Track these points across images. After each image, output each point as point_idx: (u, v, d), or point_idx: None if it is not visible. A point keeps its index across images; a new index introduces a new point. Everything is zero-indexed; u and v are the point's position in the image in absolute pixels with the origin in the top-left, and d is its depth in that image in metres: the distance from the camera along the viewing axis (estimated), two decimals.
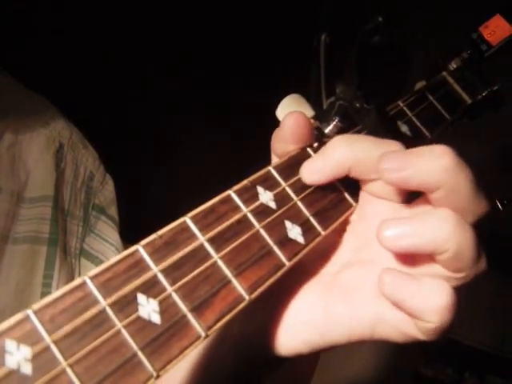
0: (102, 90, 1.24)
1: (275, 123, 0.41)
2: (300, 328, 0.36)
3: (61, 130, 0.74)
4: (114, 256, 0.77)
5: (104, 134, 0.88)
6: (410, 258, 0.34)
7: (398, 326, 0.33)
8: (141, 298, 0.27)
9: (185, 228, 0.30)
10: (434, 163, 0.31)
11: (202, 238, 0.30)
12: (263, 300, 0.32)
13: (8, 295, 0.64)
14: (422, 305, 0.30)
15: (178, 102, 1.34)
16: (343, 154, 0.34)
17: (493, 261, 0.34)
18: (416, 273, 0.32)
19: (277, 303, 0.38)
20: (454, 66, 0.58)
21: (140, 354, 0.25)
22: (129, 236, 0.81)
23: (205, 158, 1.41)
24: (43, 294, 0.67)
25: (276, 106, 0.42)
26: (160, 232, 0.29)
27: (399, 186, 0.33)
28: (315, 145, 0.38)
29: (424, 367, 1.79)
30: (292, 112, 0.36)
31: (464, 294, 0.33)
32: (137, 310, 0.26)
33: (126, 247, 0.79)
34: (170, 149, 1.37)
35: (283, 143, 0.37)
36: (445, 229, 0.30)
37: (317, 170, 0.35)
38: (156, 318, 0.27)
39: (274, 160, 0.40)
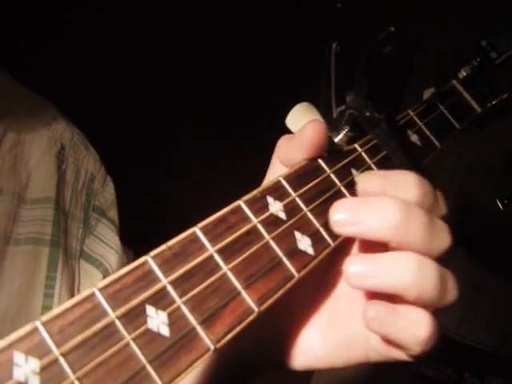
0: (103, 92, 1.24)
1: (282, 130, 0.40)
2: (300, 354, 0.38)
3: (62, 132, 0.74)
4: (113, 259, 0.77)
5: (105, 136, 0.88)
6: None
7: (386, 354, 0.34)
8: (150, 310, 0.27)
9: (194, 239, 0.30)
10: (381, 221, 0.32)
11: (211, 249, 0.30)
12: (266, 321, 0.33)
13: (11, 296, 0.64)
14: (406, 338, 0.31)
15: (180, 104, 1.34)
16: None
17: (493, 261, 0.34)
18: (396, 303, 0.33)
19: (278, 326, 0.39)
20: (464, 74, 0.58)
21: (148, 366, 0.25)
22: (128, 239, 0.81)
23: (206, 161, 1.41)
24: (46, 296, 0.67)
25: (285, 114, 0.42)
26: (169, 243, 0.29)
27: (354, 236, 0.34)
28: (325, 155, 0.38)
29: (424, 367, 1.79)
30: (313, 121, 0.36)
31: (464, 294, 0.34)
32: (146, 322, 0.26)
33: (125, 250, 0.79)
34: (172, 151, 1.37)
35: (300, 152, 0.37)
36: (406, 274, 0.31)
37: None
38: (165, 331, 0.26)
39: (273, 169, 0.40)
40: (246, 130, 1.24)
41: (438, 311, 0.33)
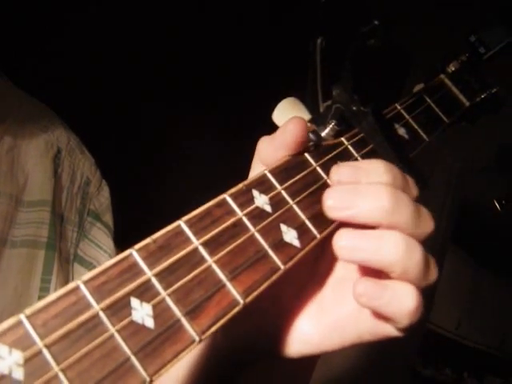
0: (99, 96, 1.24)
1: (271, 126, 0.40)
2: (294, 342, 0.39)
3: (59, 135, 0.75)
4: None
5: (101, 140, 0.88)
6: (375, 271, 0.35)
7: (376, 331, 0.36)
8: (134, 302, 0.27)
9: (179, 232, 0.30)
10: (373, 205, 0.33)
11: (196, 242, 0.30)
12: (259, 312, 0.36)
13: (5, 299, 0.64)
14: (395, 310, 0.33)
15: (177, 109, 1.34)
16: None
17: (492, 261, 0.35)
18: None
19: (277, 320, 0.39)
20: (453, 69, 0.58)
21: (133, 358, 0.25)
22: (123, 243, 0.81)
23: (203, 164, 1.41)
24: (41, 298, 0.67)
25: (272, 109, 0.42)
26: (154, 236, 0.29)
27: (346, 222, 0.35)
28: (312, 149, 0.38)
29: (423, 367, 1.79)
30: (294, 118, 0.36)
31: (463, 294, 0.35)
32: (130, 314, 0.26)
33: (119, 254, 0.79)
34: (168, 156, 1.37)
35: (282, 151, 0.37)
36: (394, 250, 0.33)
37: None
38: (150, 323, 0.26)
39: (255, 169, 0.40)
40: (248, 131, 1.24)
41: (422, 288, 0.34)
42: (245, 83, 1.35)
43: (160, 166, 1.36)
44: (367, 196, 0.33)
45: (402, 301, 0.33)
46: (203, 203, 0.32)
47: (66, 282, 0.70)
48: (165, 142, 1.36)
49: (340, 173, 0.36)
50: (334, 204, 0.34)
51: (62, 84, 1.16)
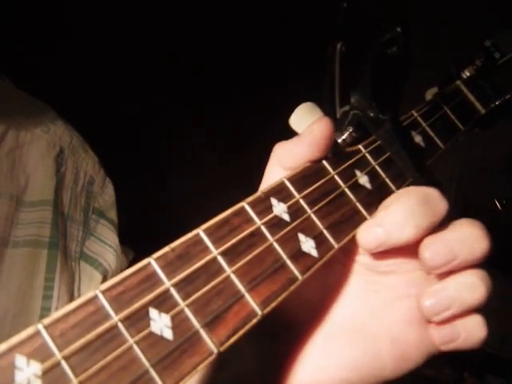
0: (102, 94, 1.23)
1: (286, 131, 0.40)
2: (317, 373, 0.36)
3: (61, 135, 0.74)
4: (112, 258, 0.77)
5: (104, 139, 0.88)
6: None
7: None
8: (153, 312, 0.26)
9: (198, 241, 0.29)
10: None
11: (215, 252, 0.29)
12: (277, 341, 0.35)
13: (10, 298, 0.64)
14: (471, 343, 0.34)
15: (179, 105, 1.34)
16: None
17: (493, 261, 0.36)
18: None
19: (293, 348, 0.37)
20: (468, 75, 0.58)
21: (152, 370, 0.25)
22: (129, 240, 0.81)
23: (205, 161, 1.40)
24: (44, 298, 0.67)
25: (287, 116, 0.41)
26: (173, 245, 0.29)
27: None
28: (329, 156, 0.38)
29: (423, 367, 1.79)
30: (322, 117, 0.36)
31: None
32: (149, 325, 0.26)
33: (125, 251, 0.79)
34: (170, 152, 1.36)
35: (308, 149, 0.36)
36: (480, 293, 0.34)
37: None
38: (168, 334, 0.26)
39: (268, 177, 0.39)
40: (248, 131, 1.23)
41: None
42: (247, 85, 1.34)
43: (162, 164, 1.36)
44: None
45: (478, 334, 0.34)
46: (204, 201, 0.32)
47: (70, 280, 0.70)
48: (166, 140, 1.35)
49: (434, 253, 0.34)
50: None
51: (65, 84, 1.16)
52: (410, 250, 0.35)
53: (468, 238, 0.34)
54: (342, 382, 0.36)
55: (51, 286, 0.68)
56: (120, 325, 0.25)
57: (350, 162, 0.39)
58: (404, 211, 0.34)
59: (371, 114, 0.41)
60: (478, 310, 0.34)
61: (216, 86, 1.34)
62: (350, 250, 0.38)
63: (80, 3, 1.26)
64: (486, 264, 0.36)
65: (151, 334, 0.26)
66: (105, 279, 0.72)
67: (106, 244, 0.77)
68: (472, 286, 0.34)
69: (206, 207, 0.34)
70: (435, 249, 0.34)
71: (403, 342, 0.35)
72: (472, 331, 0.34)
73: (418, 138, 0.45)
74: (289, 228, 0.33)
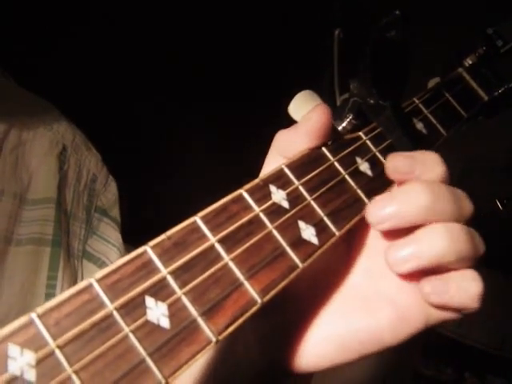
0: (104, 93, 1.23)
1: (286, 119, 0.39)
2: (321, 344, 0.36)
3: (64, 133, 0.74)
4: (115, 257, 0.76)
5: (107, 136, 0.87)
6: None
7: (443, 317, 0.35)
8: (149, 301, 0.26)
9: (195, 228, 0.29)
10: (414, 205, 0.34)
11: (212, 239, 0.29)
12: (283, 318, 0.35)
13: (12, 297, 0.63)
14: (464, 298, 0.33)
15: (179, 105, 1.33)
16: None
17: (493, 261, 0.35)
18: None
19: (297, 320, 0.37)
20: (470, 62, 0.57)
21: (148, 359, 0.24)
22: (130, 237, 0.81)
23: (207, 159, 1.40)
24: (47, 295, 0.67)
25: (288, 114, 0.41)
26: (169, 232, 0.28)
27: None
28: (329, 143, 0.37)
29: (424, 367, 1.78)
30: (320, 105, 0.35)
31: None
32: (145, 313, 0.25)
33: (127, 248, 0.79)
34: (173, 151, 1.36)
35: (306, 137, 0.36)
36: (443, 243, 0.33)
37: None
38: (165, 323, 0.26)
39: (271, 163, 0.39)
40: (248, 131, 1.23)
41: (477, 265, 0.35)
42: (255, 79, 1.33)
43: (162, 164, 1.36)
44: (408, 200, 0.34)
45: (468, 287, 0.33)
46: (206, 198, 0.31)
47: (73, 279, 0.70)
48: (166, 140, 1.35)
49: (396, 163, 0.36)
50: (378, 216, 0.34)
51: (65, 84, 1.15)
52: None
53: (428, 159, 0.36)
54: (344, 350, 0.36)
55: (54, 284, 0.67)
56: (115, 313, 0.25)
57: (351, 148, 0.38)
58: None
59: (371, 101, 0.40)
60: (470, 265, 0.34)
61: (216, 86, 1.33)
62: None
63: (80, 3, 1.26)
64: (486, 264, 0.36)
65: (147, 322, 0.25)
66: None
67: (109, 243, 0.77)
68: (439, 237, 0.33)
69: (205, 207, 0.33)
70: (397, 159, 0.36)
71: (401, 303, 0.35)
72: (462, 284, 0.33)
73: (419, 125, 0.44)
74: (288, 215, 0.32)
